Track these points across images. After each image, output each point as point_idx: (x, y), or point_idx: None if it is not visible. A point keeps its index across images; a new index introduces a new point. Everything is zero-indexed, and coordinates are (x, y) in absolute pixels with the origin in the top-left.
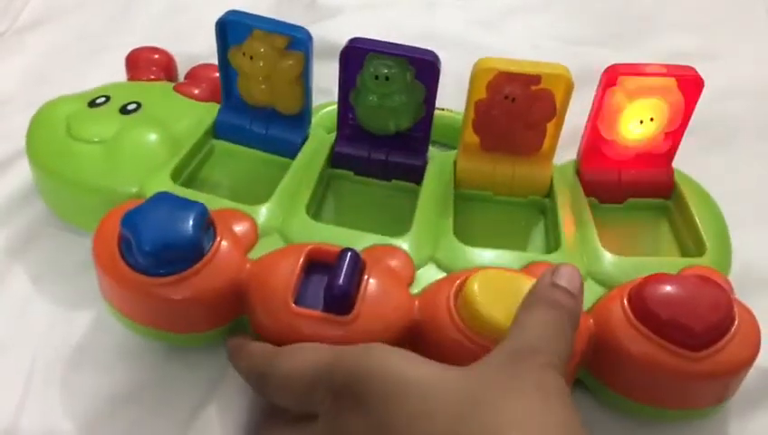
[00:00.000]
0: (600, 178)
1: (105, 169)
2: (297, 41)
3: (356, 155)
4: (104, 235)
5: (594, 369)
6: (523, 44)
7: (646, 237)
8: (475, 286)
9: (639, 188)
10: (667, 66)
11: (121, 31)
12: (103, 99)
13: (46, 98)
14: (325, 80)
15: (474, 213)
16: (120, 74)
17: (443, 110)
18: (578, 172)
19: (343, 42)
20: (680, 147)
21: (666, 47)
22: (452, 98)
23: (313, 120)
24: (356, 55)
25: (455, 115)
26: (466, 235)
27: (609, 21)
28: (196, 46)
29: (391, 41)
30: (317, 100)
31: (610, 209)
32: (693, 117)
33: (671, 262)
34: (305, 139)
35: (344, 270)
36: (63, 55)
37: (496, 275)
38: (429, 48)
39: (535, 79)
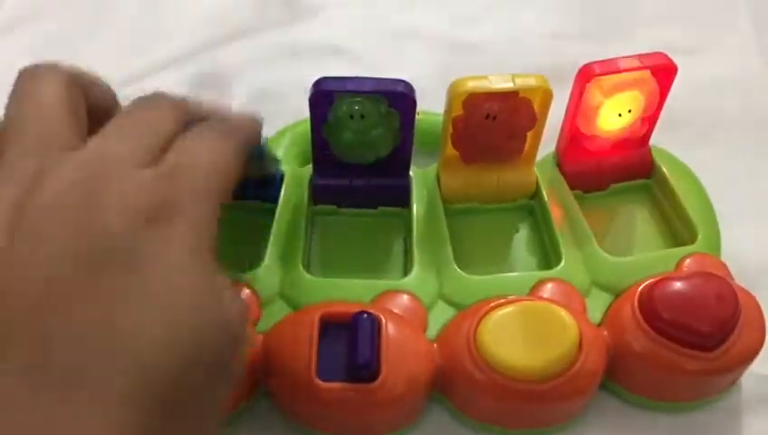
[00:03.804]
0: (582, 171)
1: None
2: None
3: (337, 185)
4: None
5: (612, 375)
6: (506, 39)
7: (634, 222)
8: (488, 330)
9: (621, 172)
10: (640, 57)
11: (92, 38)
12: None
13: None
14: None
15: (465, 227)
16: None
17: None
18: (560, 168)
19: (326, 41)
20: (664, 141)
21: (649, 40)
22: (436, 94)
23: (281, 150)
24: (324, 98)
25: (426, 117)
26: (462, 252)
27: (592, 14)
28: (170, 50)
29: (360, 75)
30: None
31: (595, 198)
32: (676, 111)
33: (668, 254)
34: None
35: (364, 339)
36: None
37: (507, 313)
38: (413, 44)
39: (513, 94)
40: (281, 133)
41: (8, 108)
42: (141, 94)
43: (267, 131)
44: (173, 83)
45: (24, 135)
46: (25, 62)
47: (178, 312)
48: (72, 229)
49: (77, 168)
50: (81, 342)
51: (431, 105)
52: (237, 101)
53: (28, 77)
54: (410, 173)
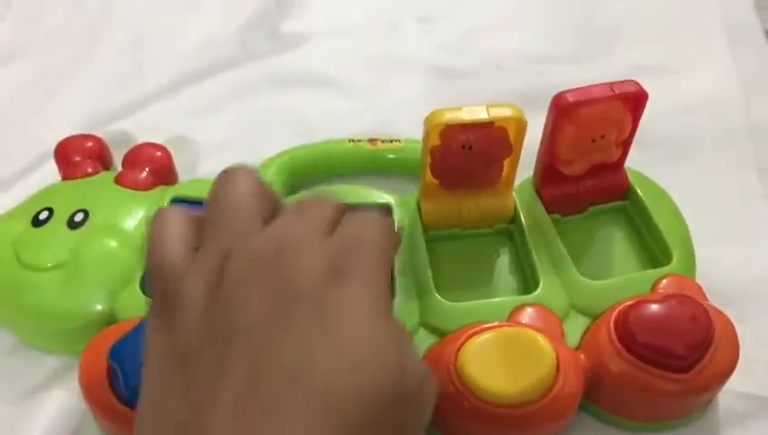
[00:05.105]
0: (559, 195)
1: (68, 294)
2: None
3: None
4: (90, 368)
5: (590, 397)
6: (488, 65)
7: (612, 244)
8: (468, 357)
9: (597, 196)
10: (612, 85)
11: (80, 72)
12: (46, 213)
13: (10, 141)
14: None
15: (445, 253)
16: (83, 116)
17: (392, 141)
18: (537, 193)
19: (311, 71)
20: (642, 161)
21: (627, 62)
22: (418, 121)
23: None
24: None
25: (408, 145)
26: (443, 278)
27: (571, 37)
28: (157, 82)
29: None
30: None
31: (573, 221)
32: (652, 131)
33: (644, 277)
34: None
35: None
36: (25, 95)
37: (487, 340)
38: (397, 72)
39: (488, 124)
40: (267, 163)
41: (211, 195)
42: (130, 129)
43: (253, 161)
44: (161, 115)
45: (223, 217)
46: (17, 96)
47: (364, 361)
48: (265, 284)
49: (268, 239)
50: (285, 374)
51: (416, 132)
52: (223, 131)
53: (226, 174)
54: (391, 200)
